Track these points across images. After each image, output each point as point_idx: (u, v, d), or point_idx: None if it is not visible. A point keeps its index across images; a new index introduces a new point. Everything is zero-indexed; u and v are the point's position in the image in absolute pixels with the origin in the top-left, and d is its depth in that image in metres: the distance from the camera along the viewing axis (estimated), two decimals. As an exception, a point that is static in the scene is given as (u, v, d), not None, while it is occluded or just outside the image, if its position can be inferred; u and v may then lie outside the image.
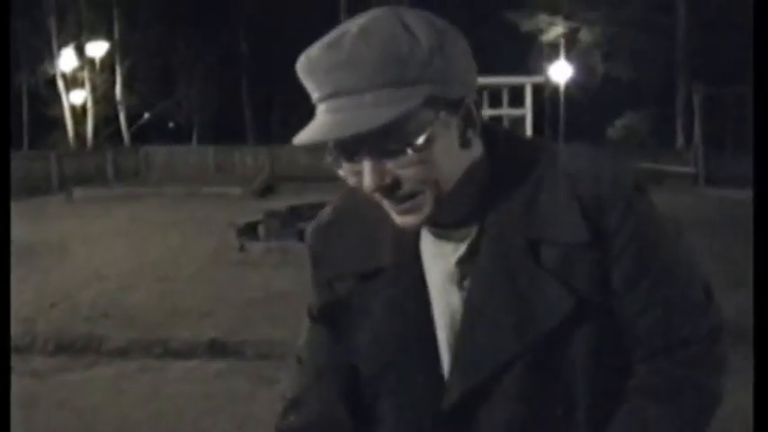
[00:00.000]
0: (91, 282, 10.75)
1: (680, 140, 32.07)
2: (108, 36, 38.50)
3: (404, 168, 1.33)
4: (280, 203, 14.82)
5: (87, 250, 13.56)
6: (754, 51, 1.64)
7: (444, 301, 1.51)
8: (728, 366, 1.53)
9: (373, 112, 1.28)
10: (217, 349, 7.60)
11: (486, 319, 1.45)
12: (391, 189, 1.36)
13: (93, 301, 9.53)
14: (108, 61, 39.12)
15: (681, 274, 1.48)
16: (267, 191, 25.72)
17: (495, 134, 1.50)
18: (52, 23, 35.39)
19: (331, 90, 1.31)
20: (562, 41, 34.44)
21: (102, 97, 39.38)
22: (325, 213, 1.66)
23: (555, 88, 33.55)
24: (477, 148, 1.44)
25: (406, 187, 1.35)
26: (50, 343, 7.59)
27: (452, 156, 1.38)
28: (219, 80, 45.58)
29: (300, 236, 12.97)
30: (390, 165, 1.33)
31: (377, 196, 1.38)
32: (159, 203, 22.00)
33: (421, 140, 1.32)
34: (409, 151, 1.32)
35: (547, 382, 1.44)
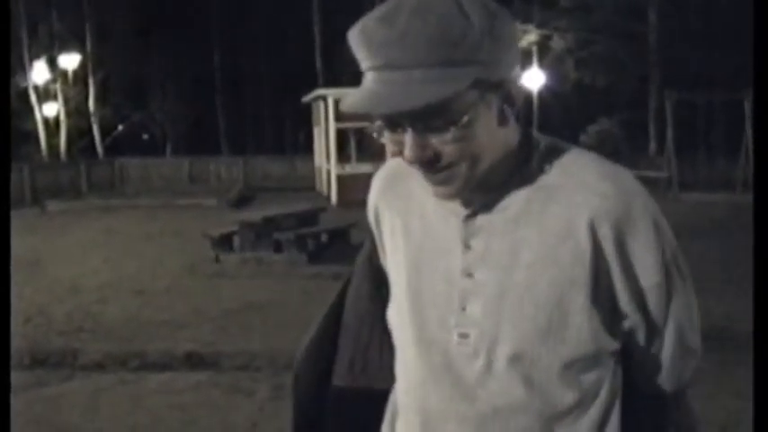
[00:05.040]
0: (66, 295, 10.70)
1: (652, 146, 32.21)
2: (80, 48, 38.24)
3: (445, 145, 1.39)
4: (255, 214, 14.76)
5: (62, 263, 13.48)
6: (755, 52, 1.65)
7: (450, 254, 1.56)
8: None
9: (422, 90, 1.32)
10: (193, 361, 7.58)
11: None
12: (430, 162, 1.41)
13: (68, 315, 9.48)
14: (81, 73, 38.83)
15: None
16: (242, 202, 25.65)
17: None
18: (24, 36, 35.13)
19: (382, 62, 1.36)
20: (535, 49, 34.50)
21: (75, 110, 39.09)
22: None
23: (528, 95, 33.62)
24: (513, 131, 1.50)
25: (445, 161, 1.41)
26: (25, 357, 7.53)
27: (491, 133, 1.43)
28: (193, 91, 45.47)
29: (276, 246, 12.93)
30: (432, 140, 1.39)
31: (415, 166, 1.44)
32: (134, 216, 21.90)
33: (464, 120, 1.37)
34: (452, 129, 1.37)
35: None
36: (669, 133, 25.08)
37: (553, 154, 1.51)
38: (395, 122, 1.40)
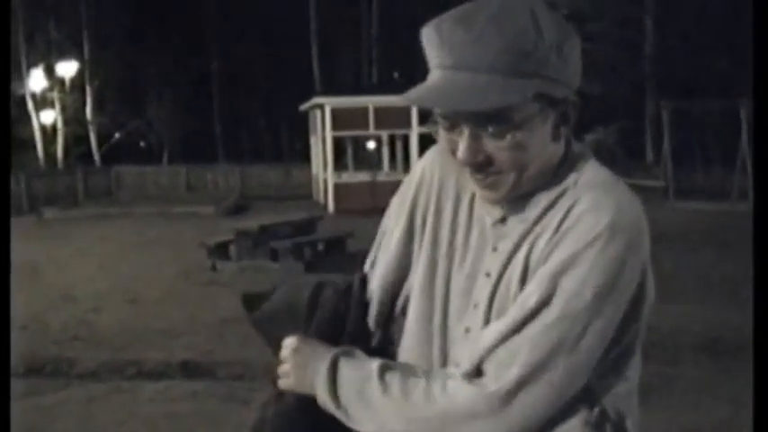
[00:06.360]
0: (61, 303, 10.68)
1: (649, 154, 32.27)
2: (78, 56, 38.25)
3: (498, 151, 1.44)
4: (251, 223, 14.75)
5: (58, 271, 13.46)
6: (755, 58, 1.66)
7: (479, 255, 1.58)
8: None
9: (486, 94, 1.38)
10: (189, 370, 7.56)
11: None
12: (481, 166, 1.46)
13: (63, 324, 9.46)
14: (78, 81, 38.82)
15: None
16: (239, 210, 25.64)
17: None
18: (21, 43, 35.10)
19: (451, 62, 1.41)
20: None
21: (73, 117, 39.06)
22: None
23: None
24: (560, 148, 1.55)
25: (496, 167, 1.46)
26: (20, 366, 7.50)
27: (542, 147, 1.48)
28: (190, 99, 45.43)
29: (272, 255, 12.92)
30: (487, 145, 1.44)
31: (466, 168, 1.49)
32: (130, 224, 21.89)
33: (521, 130, 1.42)
34: (508, 137, 1.43)
35: None
36: (666, 142, 25.09)
37: (584, 170, 1.54)
38: (453, 122, 1.45)
